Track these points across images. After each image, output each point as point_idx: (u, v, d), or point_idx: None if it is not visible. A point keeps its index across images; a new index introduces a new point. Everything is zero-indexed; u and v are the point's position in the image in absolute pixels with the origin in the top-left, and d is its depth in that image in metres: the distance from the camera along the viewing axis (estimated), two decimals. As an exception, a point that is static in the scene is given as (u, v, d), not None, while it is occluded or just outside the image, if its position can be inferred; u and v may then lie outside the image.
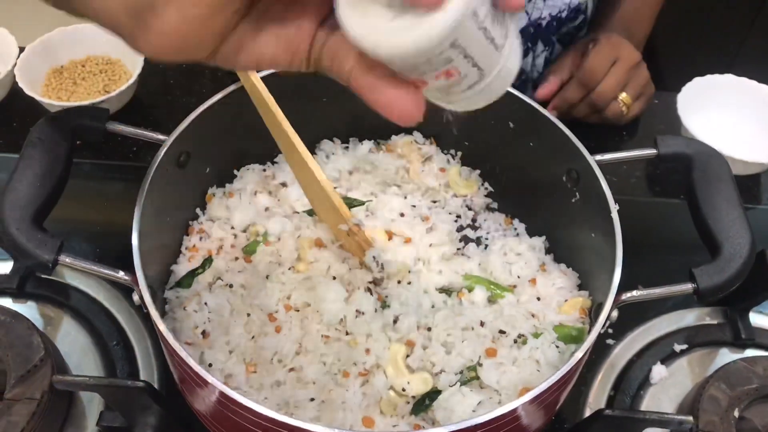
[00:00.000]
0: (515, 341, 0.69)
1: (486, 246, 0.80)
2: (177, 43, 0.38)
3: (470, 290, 0.73)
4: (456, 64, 0.39)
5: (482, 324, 0.69)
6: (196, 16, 0.37)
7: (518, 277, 0.75)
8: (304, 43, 0.42)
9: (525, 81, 1.07)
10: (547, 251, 0.80)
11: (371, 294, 0.70)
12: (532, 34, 1.02)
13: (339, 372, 0.66)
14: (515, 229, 0.82)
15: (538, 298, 0.73)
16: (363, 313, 0.68)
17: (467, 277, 0.74)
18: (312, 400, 0.64)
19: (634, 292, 0.61)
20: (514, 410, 0.54)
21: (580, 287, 0.75)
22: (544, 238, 0.80)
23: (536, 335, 0.69)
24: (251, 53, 0.41)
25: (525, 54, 1.04)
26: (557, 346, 0.68)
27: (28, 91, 0.95)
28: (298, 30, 0.42)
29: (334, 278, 0.71)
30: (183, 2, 0.36)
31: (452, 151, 0.85)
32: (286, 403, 0.64)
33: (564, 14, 1.02)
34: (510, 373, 0.65)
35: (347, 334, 0.68)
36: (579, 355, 0.57)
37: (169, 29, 0.37)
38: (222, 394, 0.55)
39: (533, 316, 0.71)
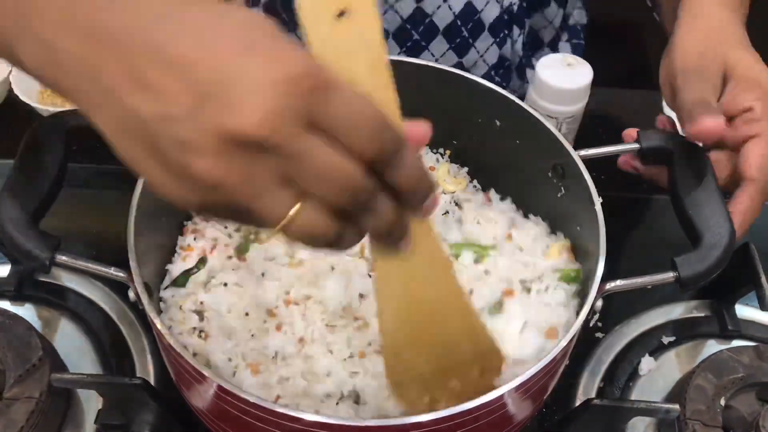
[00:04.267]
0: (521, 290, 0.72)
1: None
2: None
3: (458, 257, 0.75)
4: None
5: (487, 273, 0.73)
6: None
7: (494, 237, 0.77)
8: None
9: (508, 68, 1.08)
10: (517, 208, 0.82)
11: (369, 276, 0.71)
12: (506, 21, 1.02)
13: (348, 357, 0.67)
14: (491, 200, 0.84)
15: (521, 249, 0.76)
16: (366, 296, 0.69)
17: (451, 246, 0.76)
18: (325, 393, 0.65)
19: (618, 282, 0.63)
20: (500, 397, 0.55)
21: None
22: (510, 200, 0.82)
23: (538, 280, 0.72)
24: None
25: (504, 42, 1.04)
26: (562, 289, 0.71)
27: (24, 99, 0.96)
28: None
29: (333, 268, 0.72)
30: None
31: (441, 150, 0.87)
32: (293, 396, 0.65)
33: None
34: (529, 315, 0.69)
35: (356, 319, 0.69)
36: (563, 343, 0.58)
37: None
38: (218, 386, 0.56)
39: (525, 266, 0.74)
